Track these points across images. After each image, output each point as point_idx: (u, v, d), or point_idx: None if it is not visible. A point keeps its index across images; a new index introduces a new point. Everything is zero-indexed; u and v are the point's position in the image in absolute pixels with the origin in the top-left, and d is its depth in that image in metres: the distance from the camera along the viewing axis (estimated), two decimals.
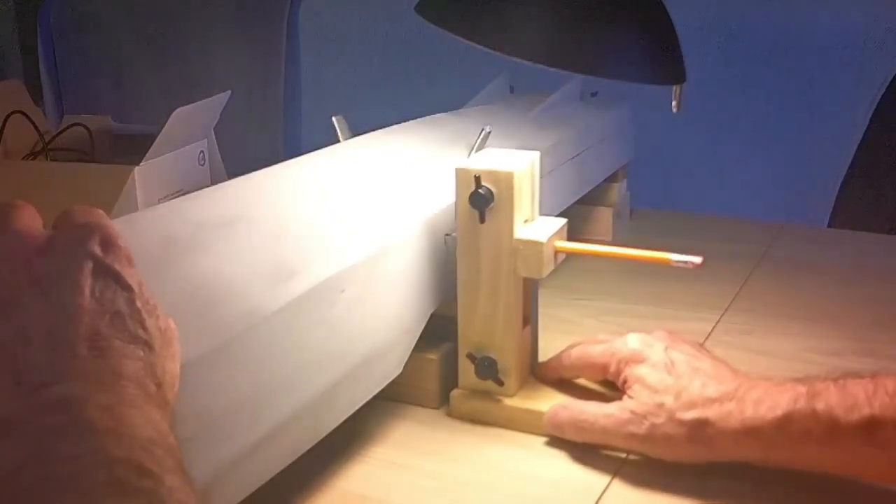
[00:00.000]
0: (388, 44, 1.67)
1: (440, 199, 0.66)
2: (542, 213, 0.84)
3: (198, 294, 0.46)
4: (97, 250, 0.38)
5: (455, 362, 0.67)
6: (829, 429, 0.52)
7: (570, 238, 0.64)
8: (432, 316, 0.65)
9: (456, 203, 0.61)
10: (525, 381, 0.66)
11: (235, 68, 1.79)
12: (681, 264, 0.60)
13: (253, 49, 1.79)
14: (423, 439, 0.63)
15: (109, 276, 0.37)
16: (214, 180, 0.97)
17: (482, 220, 0.61)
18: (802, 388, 0.54)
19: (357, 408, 0.58)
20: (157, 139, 0.85)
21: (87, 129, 1.00)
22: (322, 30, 1.75)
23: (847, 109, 1.34)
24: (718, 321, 0.81)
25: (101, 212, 0.40)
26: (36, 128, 1.01)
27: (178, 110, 0.87)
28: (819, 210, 1.38)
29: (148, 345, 0.37)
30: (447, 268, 0.66)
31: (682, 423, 0.56)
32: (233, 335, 0.45)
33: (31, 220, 0.39)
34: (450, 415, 0.65)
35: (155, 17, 1.88)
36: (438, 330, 0.67)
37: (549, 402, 0.63)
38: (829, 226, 1.37)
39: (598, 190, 1.00)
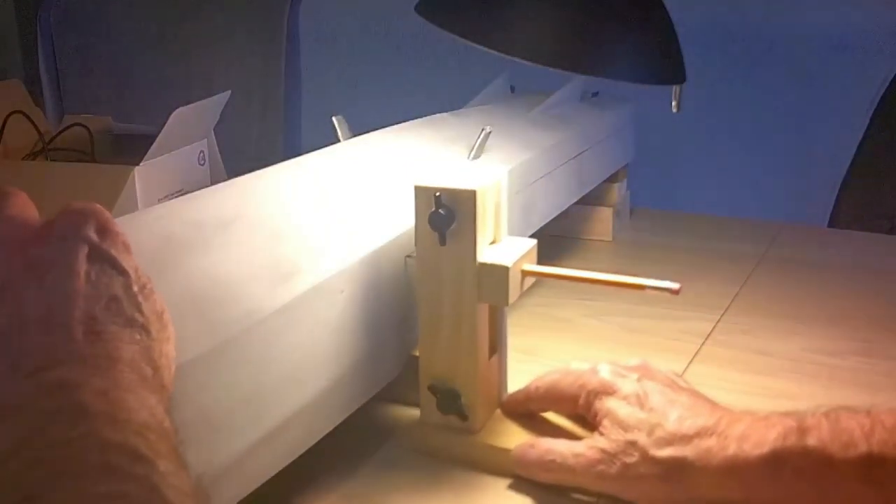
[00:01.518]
0: (389, 43, 1.67)
1: None
2: (546, 214, 0.84)
3: (197, 294, 0.46)
4: (93, 236, 0.38)
5: None
6: (822, 467, 0.47)
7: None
8: None
9: (415, 223, 0.57)
10: (491, 415, 0.61)
11: (235, 68, 1.79)
12: (656, 291, 0.56)
13: (253, 49, 1.79)
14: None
15: (105, 261, 0.37)
16: (214, 180, 0.97)
17: (443, 243, 0.56)
18: (791, 423, 0.49)
19: (356, 407, 0.58)
20: (157, 139, 0.85)
21: (87, 129, 1.00)
22: (322, 30, 1.75)
23: (847, 109, 1.34)
24: (718, 321, 0.81)
25: (97, 205, 0.40)
26: (36, 128, 1.01)
27: (178, 110, 0.87)
28: (819, 210, 1.38)
29: (145, 329, 0.37)
30: None
31: (656, 461, 0.51)
32: (232, 335, 0.45)
33: (25, 207, 0.39)
34: (411, 450, 0.60)
35: (155, 17, 1.89)
36: None
37: (517, 439, 0.58)
38: (829, 226, 1.37)
39: (598, 190, 1.00)
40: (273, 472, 0.49)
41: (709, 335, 0.79)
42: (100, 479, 0.29)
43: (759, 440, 0.49)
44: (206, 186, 0.61)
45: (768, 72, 1.38)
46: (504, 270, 0.56)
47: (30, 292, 0.35)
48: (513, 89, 1.05)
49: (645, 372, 0.57)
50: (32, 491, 0.28)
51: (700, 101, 1.18)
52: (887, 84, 1.31)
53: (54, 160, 0.99)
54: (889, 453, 0.46)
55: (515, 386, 0.63)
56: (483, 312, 0.58)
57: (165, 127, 0.86)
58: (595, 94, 1.06)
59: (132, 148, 0.92)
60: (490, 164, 0.75)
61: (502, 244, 0.59)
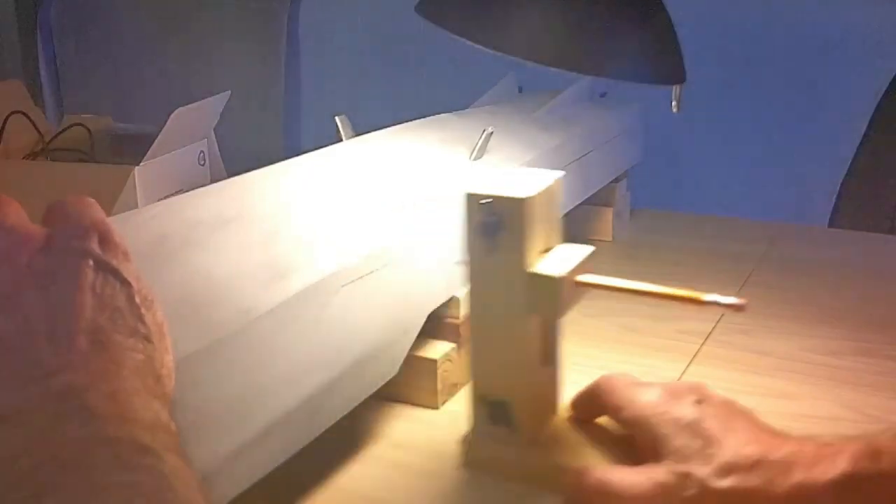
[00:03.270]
0: (391, 43, 1.67)
1: (437, 200, 0.66)
2: None
3: (191, 293, 0.46)
4: (96, 248, 0.38)
5: (457, 362, 0.67)
6: None
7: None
8: (431, 316, 0.65)
9: (465, 231, 0.55)
10: (544, 428, 0.59)
11: (235, 68, 1.79)
12: (714, 304, 0.53)
13: (253, 49, 1.79)
14: (422, 439, 0.63)
15: (109, 273, 0.38)
16: (214, 180, 0.97)
17: (492, 252, 0.54)
18: (860, 447, 0.46)
19: (352, 408, 0.58)
20: (157, 139, 0.85)
21: (87, 129, 1.00)
22: (322, 30, 1.75)
23: (847, 109, 1.34)
24: (718, 321, 0.81)
25: (93, 201, 0.40)
26: (36, 128, 1.01)
27: (178, 110, 0.87)
28: (819, 210, 1.38)
29: (147, 338, 0.37)
30: (445, 267, 0.66)
31: (717, 493, 0.48)
32: (225, 334, 0.45)
33: (19, 216, 0.40)
34: (463, 465, 0.59)
35: (155, 17, 1.89)
36: (437, 330, 0.67)
37: (571, 454, 0.56)
38: (830, 226, 1.37)
39: (598, 190, 1.00)
40: (265, 472, 0.49)
41: (709, 335, 0.79)
42: (111, 471, 0.30)
43: (827, 466, 0.46)
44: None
45: (768, 72, 1.38)
46: (555, 282, 0.54)
47: (36, 304, 0.35)
48: (521, 89, 1.04)
49: (701, 394, 0.54)
50: (45, 485, 0.29)
51: (700, 101, 1.18)
52: (887, 84, 1.31)
53: (54, 160, 0.99)
54: None
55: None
56: (535, 323, 0.56)
57: (165, 127, 0.86)
58: (603, 95, 1.06)
59: (132, 148, 0.92)
60: (496, 164, 0.75)
61: (556, 252, 0.56)
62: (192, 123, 0.92)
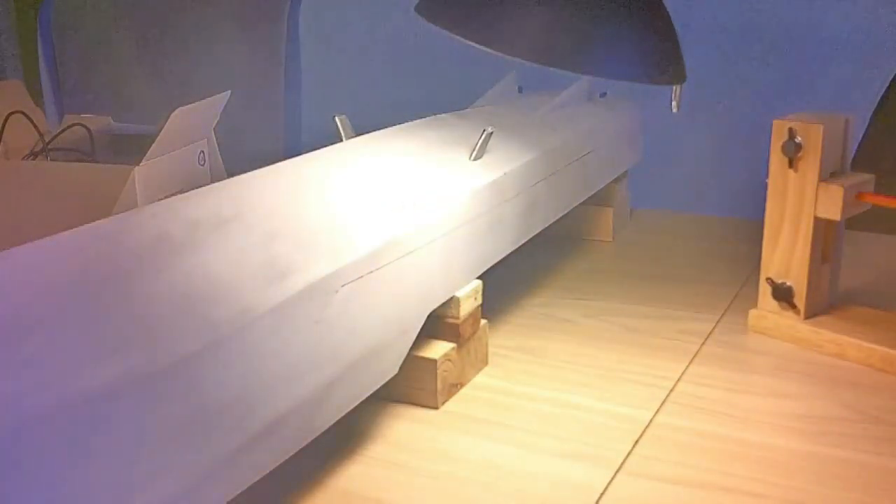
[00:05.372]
0: (392, 42, 1.67)
1: (437, 200, 0.66)
2: (548, 216, 0.84)
3: (190, 292, 0.46)
4: None
5: (457, 362, 0.67)
6: None
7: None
8: (431, 316, 0.65)
9: (770, 150, 0.73)
10: (819, 311, 0.76)
11: (235, 68, 1.79)
12: None
13: (253, 49, 1.79)
14: (422, 439, 0.63)
15: None
16: (214, 180, 0.96)
17: (791, 166, 0.72)
18: None
19: (351, 408, 0.58)
20: (157, 139, 0.85)
21: (87, 129, 1.00)
22: (322, 30, 1.75)
23: (847, 109, 1.34)
24: (718, 321, 0.81)
25: None
26: (36, 128, 1.01)
27: (178, 110, 0.87)
28: None
29: None
30: (446, 268, 0.66)
31: None
32: (224, 334, 0.45)
33: None
34: (748, 330, 0.78)
35: (155, 17, 1.89)
36: (437, 330, 0.67)
37: (836, 329, 0.73)
38: None
39: (598, 190, 1.00)
40: (263, 473, 0.49)
41: (709, 335, 0.79)
42: None
43: None
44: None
45: (768, 72, 1.38)
46: (838, 191, 0.71)
47: None
48: (521, 89, 1.04)
49: None
50: None
51: (700, 101, 1.18)
52: (887, 84, 1.31)
53: (54, 160, 0.99)
54: None
55: None
56: (819, 226, 0.73)
57: (165, 127, 0.86)
58: (603, 95, 1.06)
59: (132, 148, 0.91)
60: (492, 164, 0.75)
61: (844, 176, 0.73)
62: (192, 123, 0.92)
